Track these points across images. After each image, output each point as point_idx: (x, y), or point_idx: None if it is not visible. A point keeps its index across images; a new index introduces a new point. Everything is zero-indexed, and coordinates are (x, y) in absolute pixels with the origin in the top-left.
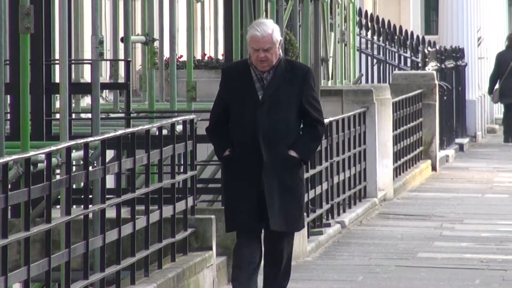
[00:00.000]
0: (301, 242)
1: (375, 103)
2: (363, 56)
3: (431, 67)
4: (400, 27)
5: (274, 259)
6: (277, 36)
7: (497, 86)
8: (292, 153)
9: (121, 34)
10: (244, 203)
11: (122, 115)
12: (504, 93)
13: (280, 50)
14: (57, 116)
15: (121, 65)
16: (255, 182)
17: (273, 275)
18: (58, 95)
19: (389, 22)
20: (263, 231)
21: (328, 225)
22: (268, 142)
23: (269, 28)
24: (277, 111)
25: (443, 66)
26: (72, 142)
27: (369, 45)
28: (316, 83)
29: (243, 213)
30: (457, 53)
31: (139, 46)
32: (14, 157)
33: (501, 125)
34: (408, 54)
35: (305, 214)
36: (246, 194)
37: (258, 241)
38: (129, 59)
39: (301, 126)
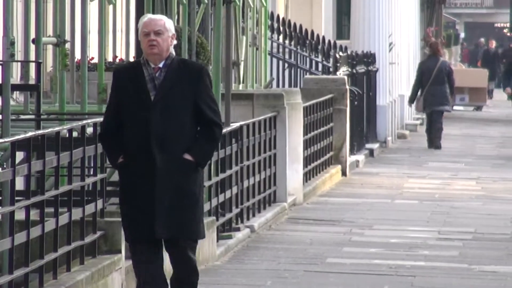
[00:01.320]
0: (210, 246)
1: (286, 107)
2: (275, 60)
3: (342, 72)
4: (312, 32)
5: (178, 270)
6: (170, 27)
7: (418, 95)
8: (187, 157)
9: (32, 35)
10: (139, 211)
11: (33, 116)
12: (427, 101)
13: (173, 49)
14: None
15: (32, 66)
16: (150, 188)
17: (179, 283)
18: None
19: (300, 26)
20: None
21: (238, 229)
22: (162, 146)
23: (162, 16)
24: (170, 112)
25: (354, 71)
26: None
27: (280, 49)
28: (211, 83)
29: (139, 222)
30: (369, 58)
31: (50, 48)
32: None
33: (424, 132)
34: (319, 59)
35: (205, 221)
36: (141, 202)
37: (158, 250)
38: (40, 61)
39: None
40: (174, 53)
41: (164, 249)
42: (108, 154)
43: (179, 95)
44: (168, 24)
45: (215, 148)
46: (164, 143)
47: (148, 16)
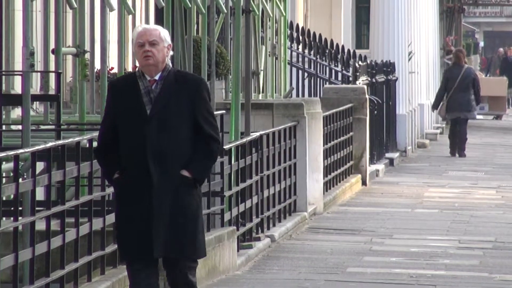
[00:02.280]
0: (231, 256)
1: (305, 117)
2: (294, 69)
3: (362, 81)
4: (331, 41)
5: None
6: (166, 37)
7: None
8: (185, 173)
9: (52, 45)
10: (135, 230)
11: (53, 127)
12: (451, 108)
13: (169, 60)
14: None
15: (52, 76)
16: (146, 206)
17: None
18: None
19: (320, 35)
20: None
21: (258, 239)
22: (158, 162)
23: (157, 26)
24: (167, 127)
25: (374, 80)
26: (2, 154)
27: (300, 59)
28: (210, 95)
29: (134, 240)
30: (388, 68)
31: (70, 58)
32: None
33: (447, 138)
34: (339, 68)
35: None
36: (137, 220)
37: (154, 270)
38: (60, 71)
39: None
40: (170, 64)
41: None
42: (103, 170)
43: (176, 108)
44: (163, 34)
45: (213, 163)
46: (160, 158)
47: (142, 26)
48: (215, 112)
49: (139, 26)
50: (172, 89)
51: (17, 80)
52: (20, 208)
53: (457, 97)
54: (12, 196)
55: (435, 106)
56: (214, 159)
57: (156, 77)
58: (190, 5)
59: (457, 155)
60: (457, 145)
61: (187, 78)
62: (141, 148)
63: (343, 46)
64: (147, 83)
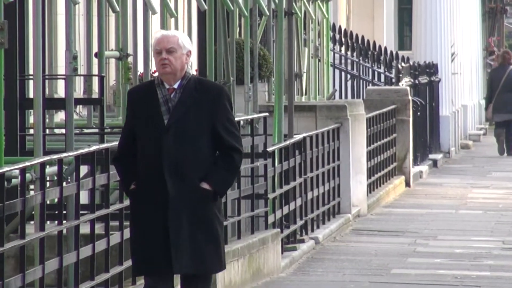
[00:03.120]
0: (275, 258)
1: (349, 118)
2: (337, 71)
3: (405, 82)
4: (374, 43)
5: None
6: (186, 44)
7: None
8: (205, 185)
9: (95, 49)
10: (151, 244)
11: (96, 130)
12: (497, 108)
13: (190, 67)
14: (31, 131)
15: (95, 80)
16: (161, 220)
17: None
18: (32, 111)
19: (363, 37)
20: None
21: (302, 241)
22: (175, 174)
23: (176, 32)
24: (185, 137)
25: (416, 81)
26: (46, 158)
27: (343, 61)
28: (231, 104)
29: (150, 255)
30: (431, 69)
31: (113, 61)
32: None
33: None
34: (382, 70)
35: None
36: (153, 233)
37: (170, 284)
38: (103, 75)
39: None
40: (190, 72)
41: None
42: (120, 179)
43: (195, 118)
44: (182, 40)
45: (235, 176)
46: (178, 170)
47: (161, 32)
48: (259, 115)
49: (158, 32)
50: (192, 98)
51: (60, 84)
52: (64, 212)
53: (503, 98)
54: (56, 200)
55: (486, 108)
56: (236, 171)
57: (175, 86)
58: (232, 8)
59: (505, 154)
60: (506, 144)
61: (207, 86)
62: (157, 159)
63: (385, 48)
64: (166, 92)
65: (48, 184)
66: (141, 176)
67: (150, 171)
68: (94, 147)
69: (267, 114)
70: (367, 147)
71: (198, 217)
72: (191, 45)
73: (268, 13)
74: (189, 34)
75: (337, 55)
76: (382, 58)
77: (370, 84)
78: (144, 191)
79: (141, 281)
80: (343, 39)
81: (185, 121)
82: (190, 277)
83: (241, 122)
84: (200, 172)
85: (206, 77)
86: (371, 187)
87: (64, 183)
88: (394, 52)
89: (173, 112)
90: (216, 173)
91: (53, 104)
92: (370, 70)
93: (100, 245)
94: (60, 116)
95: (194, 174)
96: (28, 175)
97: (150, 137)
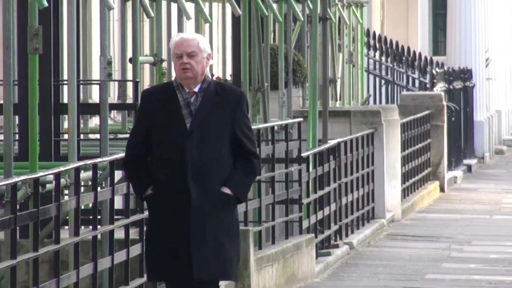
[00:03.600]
0: (309, 263)
1: (383, 124)
2: (371, 76)
3: (439, 88)
4: (408, 48)
5: None
6: (205, 47)
7: None
8: (226, 190)
9: (129, 54)
10: (170, 250)
11: None
12: None
13: (208, 71)
14: (66, 136)
15: (129, 85)
16: (183, 225)
17: None
18: (66, 116)
19: (397, 43)
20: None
21: (336, 246)
22: (197, 178)
23: (195, 35)
24: (207, 142)
25: (451, 87)
26: (81, 163)
27: (377, 66)
28: (249, 109)
29: (171, 261)
30: (465, 74)
31: (147, 67)
32: (22, 177)
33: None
34: (416, 75)
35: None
36: (173, 239)
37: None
38: (137, 80)
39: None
40: (209, 75)
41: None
42: (134, 185)
43: (217, 122)
44: (202, 43)
45: (254, 180)
46: (200, 175)
47: (180, 36)
48: (293, 120)
49: (176, 35)
50: (213, 101)
51: (95, 89)
52: (99, 217)
53: None
54: (90, 205)
55: None
56: (255, 176)
57: (196, 89)
58: (267, 14)
59: None
60: None
61: (227, 91)
62: (179, 163)
63: (420, 53)
64: (186, 95)
65: (82, 189)
66: (160, 181)
67: (170, 175)
68: None
69: (301, 119)
70: (401, 153)
71: (219, 223)
72: (210, 48)
73: (302, 19)
74: (224, 40)
75: (371, 61)
76: (416, 63)
77: (405, 90)
78: (164, 196)
79: None
80: (377, 45)
81: (207, 125)
82: (204, 283)
83: (275, 127)
84: (221, 177)
85: (240, 83)
86: (405, 192)
87: (99, 188)
88: (428, 58)
89: (196, 116)
90: (236, 178)
91: (87, 109)
92: (405, 75)
93: (135, 250)
94: (94, 122)
95: (216, 179)
96: (62, 180)
97: (171, 141)
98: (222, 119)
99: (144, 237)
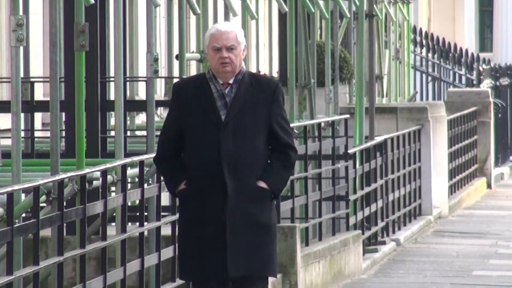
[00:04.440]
0: (356, 260)
1: (430, 120)
2: (418, 73)
3: (486, 84)
4: (455, 45)
5: None
6: (242, 38)
7: None
8: (262, 184)
9: (175, 51)
10: (207, 247)
11: None
12: None
13: (243, 62)
14: (112, 133)
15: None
16: (218, 221)
17: None
18: (113, 113)
19: (443, 39)
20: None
21: (383, 242)
22: (234, 172)
23: (232, 26)
24: (243, 134)
25: (497, 83)
26: (128, 160)
27: (423, 63)
28: (284, 101)
29: (207, 259)
30: None
31: (194, 63)
32: (69, 174)
33: None
34: (462, 72)
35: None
36: (210, 236)
37: None
38: (183, 77)
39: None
40: (244, 66)
41: None
42: (166, 180)
43: (252, 114)
44: (240, 35)
45: (291, 174)
46: (236, 169)
47: (216, 28)
48: (339, 117)
49: (213, 27)
50: (248, 93)
51: (141, 86)
52: (146, 214)
53: None
54: (137, 202)
55: None
56: (292, 169)
57: (230, 81)
58: (313, 10)
59: None
60: None
61: (262, 82)
62: (214, 157)
63: (466, 50)
64: (220, 86)
65: (129, 186)
66: (194, 175)
67: (205, 169)
68: None
69: (348, 116)
70: (448, 149)
71: (257, 218)
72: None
73: (349, 15)
74: (270, 37)
75: (417, 57)
76: (463, 60)
77: (451, 86)
78: (198, 191)
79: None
80: (423, 41)
81: (243, 117)
82: (246, 281)
83: (322, 124)
84: (257, 170)
85: (287, 80)
86: (452, 189)
87: (145, 185)
88: (475, 54)
89: (231, 107)
90: (273, 172)
91: (134, 106)
92: (451, 72)
93: None
94: (141, 118)
95: (252, 173)
96: (109, 177)
97: (205, 133)
98: (258, 111)
99: (177, 235)
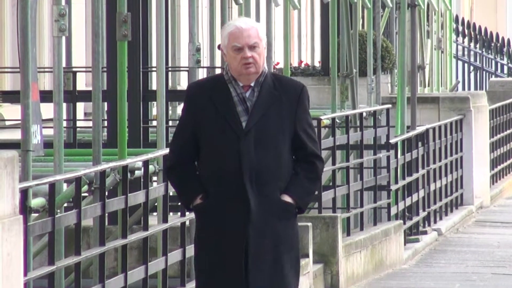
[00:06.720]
0: (398, 250)
1: (471, 110)
2: (460, 63)
3: None
4: (497, 34)
5: None
6: (264, 35)
7: None
8: (287, 199)
9: (218, 41)
10: (227, 264)
11: None
12: None
13: (265, 61)
14: (154, 123)
15: (218, 72)
16: (240, 236)
17: None
18: (155, 103)
19: (485, 29)
20: None
21: (425, 232)
22: (256, 184)
23: (251, 22)
24: (266, 142)
25: None
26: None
27: (465, 52)
28: (309, 104)
29: (226, 277)
30: None
31: None
32: (111, 164)
33: None
34: (504, 61)
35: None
36: (230, 253)
37: None
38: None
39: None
40: (266, 66)
41: None
42: (180, 193)
43: (276, 120)
44: (261, 31)
45: (317, 187)
46: (258, 179)
47: (235, 25)
48: (381, 107)
49: (230, 24)
50: (271, 97)
51: (183, 76)
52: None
53: None
54: None
55: None
56: (318, 181)
57: (252, 83)
58: (355, 0)
59: None
60: None
61: (286, 84)
62: (234, 167)
63: (509, 39)
64: (241, 89)
65: None
66: (212, 188)
67: (223, 181)
68: None
69: (389, 105)
70: (490, 139)
71: (278, 233)
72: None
73: (391, 5)
74: (312, 26)
75: (460, 47)
76: (505, 49)
77: (493, 76)
78: (217, 205)
79: None
80: (466, 31)
81: (265, 124)
82: None
83: (364, 114)
84: (281, 181)
85: (329, 69)
86: (494, 179)
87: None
88: None
89: (253, 113)
90: (298, 185)
91: (176, 96)
92: (493, 61)
93: None
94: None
95: (275, 184)
96: (151, 167)
97: (225, 142)
98: (282, 116)
99: (194, 246)
